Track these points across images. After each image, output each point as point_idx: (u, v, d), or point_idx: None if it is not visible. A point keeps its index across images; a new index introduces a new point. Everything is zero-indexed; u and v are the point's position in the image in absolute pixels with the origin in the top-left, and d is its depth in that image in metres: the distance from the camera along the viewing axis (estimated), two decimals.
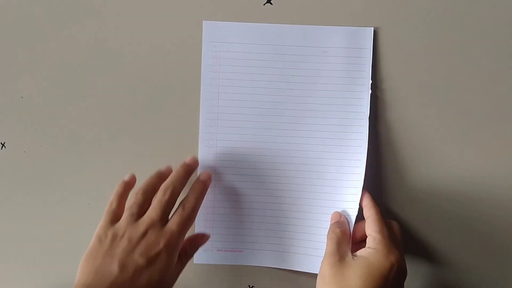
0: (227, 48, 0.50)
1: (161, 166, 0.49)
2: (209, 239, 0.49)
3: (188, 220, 0.45)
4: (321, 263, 0.45)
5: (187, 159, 0.49)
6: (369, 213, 0.47)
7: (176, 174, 0.47)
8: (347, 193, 0.49)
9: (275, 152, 0.50)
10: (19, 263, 0.53)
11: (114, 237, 0.44)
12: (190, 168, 0.49)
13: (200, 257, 0.52)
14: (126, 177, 0.48)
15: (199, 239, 0.49)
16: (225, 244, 0.51)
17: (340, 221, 0.48)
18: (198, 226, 0.51)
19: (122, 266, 0.42)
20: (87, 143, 0.52)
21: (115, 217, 0.46)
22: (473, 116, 0.51)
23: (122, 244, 0.43)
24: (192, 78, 0.51)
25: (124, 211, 0.46)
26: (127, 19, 0.51)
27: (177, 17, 0.51)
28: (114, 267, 0.42)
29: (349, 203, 0.49)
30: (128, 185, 0.48)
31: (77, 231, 0.52)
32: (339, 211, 0.49)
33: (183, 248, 0.47)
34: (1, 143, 0.52)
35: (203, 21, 0.50)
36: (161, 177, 0.47)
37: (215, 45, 0.50)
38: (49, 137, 0.52)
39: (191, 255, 0.48)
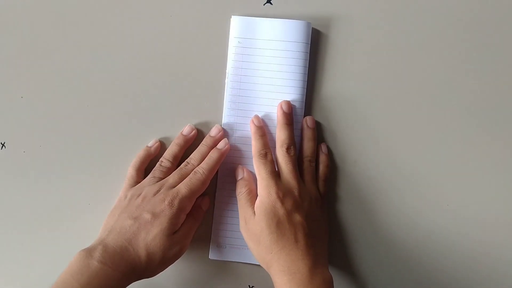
0: (252, 44, 0.50)
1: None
2: (223, 235, 0.52)
3: (196, 183, 0.48)
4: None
5: (212, 131, 0.51)
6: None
7: (200, 148, 0.50)
8: None
9: None
10: (19, 263, 0.53)
11: (132, 197, 0.48)
12: (214, 142, 0.51)
13: (213, 253, 0.52)
14: (151, 143, 0.52)
15: (200, 201, 0.51)
16: (237, 241, 0.52)
17: (244, 178, 0.50)
18: (214, 222, 0.52)
19: (133, 221, 0.46)
20: (87, 143, 0.52)
21: (134, 181, 0.50)
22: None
23: (137, 202, 0.47)
24: (196, 78, 0.52)
25: (149, 175, 0.50)
26: (129, 17, 0.51)
27: (178, 16, 0.51)
28: (126, 223, 0.46)
29: None
30: (149, 153, 0.51)
31: (77, 231, 0.52)
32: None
33: (189, 212, 0.48)
34: (1, 143, 0.52)
35: (232, 16, 0.50)
36: (183, 144, 0.51)
37: (240, 41, 0.50)
38: (49, 137, 0.52)
39: (199, 217, 0.50)
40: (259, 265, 0.51)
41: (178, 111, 0.52)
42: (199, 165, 0.49)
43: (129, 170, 0.51)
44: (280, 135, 0.49)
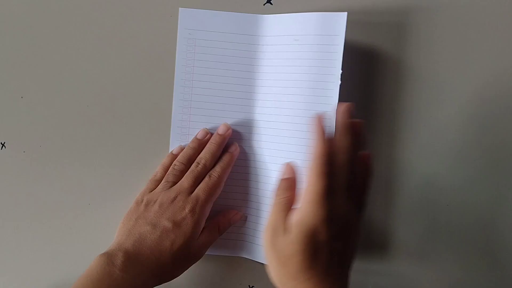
0: (202, 36, 0.50)
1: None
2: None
3: (213, 188, 0.48)
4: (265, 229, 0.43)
5: (220, 129, 0.50)
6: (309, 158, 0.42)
7: (209, 147, 0.50)
8: None
9: (248, 142, 0.51)
10: (20, 263, 0.53)
11: (148, 202, 0.48)
12: (223, 139, 0.50)
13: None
14: (175, 150, 0.51)
15: (232, 215, 0.51)
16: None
17: (291, 179, 0.44)
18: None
19: (152, 228, 0.46)
20: (87, 143, 0.52)
21: (155, 186, 0.49)
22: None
23: (154, 209, 0.47)
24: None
25: (162, 179, 0.49)
26: (129, 18, 0.52)
27: (174, 13, 0.51)
28: (144, 229, 0.46)
29: None
30: (174, 158, 0.50)
31: (77, 231, 0.52)
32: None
33: (216, 221, 0.49)
34: (1, 143, 0.52)
35: (180, 8, 0.49)
36: (197, 148, 0.50)
37: (191, 33, 0.50)
38: (49, 137, 0.52)
39: (224, 230, 0.50)
40: (259, 264, 0.51)
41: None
42: (214, 168, 0.49)
43: (155, 173, 0.50)
44: (343, 143, 0.42)
